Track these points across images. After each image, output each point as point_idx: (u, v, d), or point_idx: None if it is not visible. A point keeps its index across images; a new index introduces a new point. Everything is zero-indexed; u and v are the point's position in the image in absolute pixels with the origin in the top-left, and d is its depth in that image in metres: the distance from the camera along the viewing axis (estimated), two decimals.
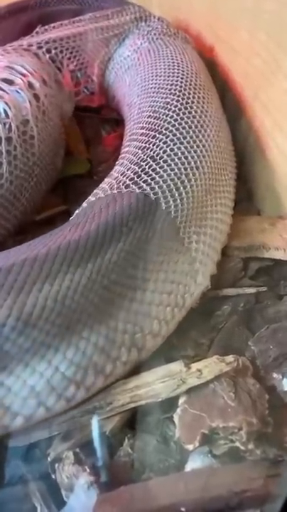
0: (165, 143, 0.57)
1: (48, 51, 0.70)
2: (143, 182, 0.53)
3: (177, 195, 0.53)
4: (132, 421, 0.47)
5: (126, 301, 0.48)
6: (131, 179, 0.53)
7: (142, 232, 0.50)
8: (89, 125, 0.76)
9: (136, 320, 0.49)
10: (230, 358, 0.49)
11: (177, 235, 0.53)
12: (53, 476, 0.45)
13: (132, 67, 0.77)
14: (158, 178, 0.53)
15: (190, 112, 0.61)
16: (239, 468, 0.42)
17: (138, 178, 0.53)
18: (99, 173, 0.69)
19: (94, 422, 0.45)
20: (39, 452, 0.46)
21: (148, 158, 0.55)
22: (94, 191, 0.54)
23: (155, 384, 0.47)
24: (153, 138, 0.58)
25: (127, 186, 0.52)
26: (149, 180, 0.53)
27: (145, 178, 0.53)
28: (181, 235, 0.53)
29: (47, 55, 0.69)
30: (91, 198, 0.54)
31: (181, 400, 0.47)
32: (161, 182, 0.53)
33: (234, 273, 0.58)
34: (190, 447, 0.44)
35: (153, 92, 0.67)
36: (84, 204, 0.53)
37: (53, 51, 0.70)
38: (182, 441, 0.45)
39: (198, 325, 0.54)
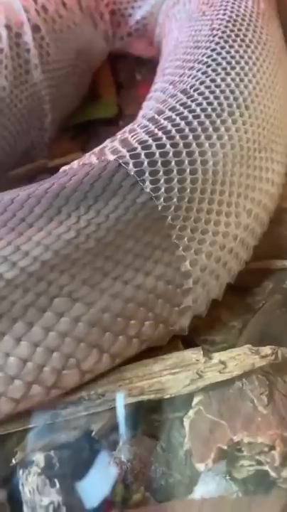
0: (204, 73, 0.45)
1: None
2: (167, 120, 0.42)
3: (215, 137, 0.42)
4: (129, 420, 0.37)
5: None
6: (154, 120, 0.42)
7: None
8: (123, 67, 0.66)
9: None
10: (266, 349, 0.37)
11: (213, 193, 0.42)
12: (19, 484, 0.35)
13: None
14: (186, 113, 0.42)
15: (242, 40, 0.50)
16: (270, 503, 0.31)
17: (159, 115, 0.43)
18: (127, 119, 0.59)
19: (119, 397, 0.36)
20: (6, 450, 0.36)
21: (179, 93, 0.44)
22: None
23: (163, 375, 0.36)
24: (189, 69, 0.47)
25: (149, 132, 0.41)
26: (175, 118, 0.42)
27: (172, 116, 0.42)
28: (219, 196, 0.42)
29: None
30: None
31: (196, 400, 0.35)
32: (191, 118, 0.42)
33: (284, 242, 0.47)
34: (201, 467, 0.33)
35: (197, 20, 0.56)
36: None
37: None
38: (192, 456, 0.34)
39: (230, 302, 0.43)
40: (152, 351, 0.39)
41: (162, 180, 0.39)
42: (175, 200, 0.39)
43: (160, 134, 0.41)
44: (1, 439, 0.36)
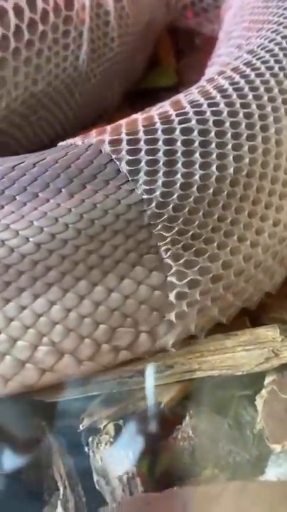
0: (274, 31, 0.41)
1: None
2: (226, 79, 0.38)
3: (280, 100, 0.37)
4: (197, 394, 0.36)
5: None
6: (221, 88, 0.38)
7: None
8: (183, 34, 0.64)
9: None
10: None
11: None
12: (86, 449, 0.34)
13: None
14: (249, 71, 0.38)
15: None
16: None
17: (219, 75, 0.39)
18: (188, 86, 0.58)
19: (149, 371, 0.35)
20: (70, 415, 0.35)
21: (244, 54, 0.41)
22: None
23: (236, 351, 0.35)
24: (257, 31, 0.43)
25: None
26: (235, 77, 0.38)
27: (233, 75, 0.38)
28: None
29: None
30: None
31: (269, 379, 0.34)
32: (253, 76, 0.38)
33: None
34: (277, 448, 0.32)
35: None
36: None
37: None
38: (266, 437, 0.33)
39: None
40: (218, 327, 0.38)
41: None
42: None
43: (214, 93, 0.38)
44: (63, 405, 0.36)
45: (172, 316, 0.35)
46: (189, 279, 0.35)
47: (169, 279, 0.34)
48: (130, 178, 0.34)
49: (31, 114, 0.47)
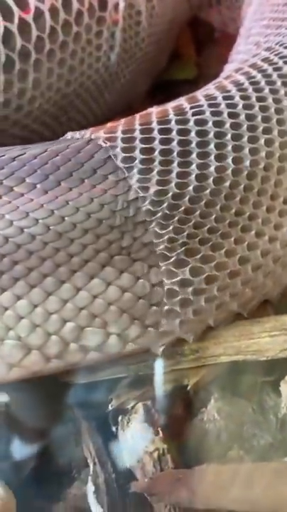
0: None
1: None
2: (243, 75, 0.38)
3: None
4: (221, 379, 0.37)
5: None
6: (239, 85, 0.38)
7: None
8: (202, 28, 0.64)
9: None
10: None
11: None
12: (114, 429, 0.34)
13: None
14: (266, 66, 0.38)
15: None
16: None
17: (237, 72, 0.39)
18: (209, 79, 0.59)
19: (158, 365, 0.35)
20: (98, 396, 0.36)
21: (262, 51, 0.41)
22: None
23: (261, 337, 0.36)
24: (277, 28, 0.44)
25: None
26: (252, 72, 0.38)
27: (250, 70, 0.38)
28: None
29: None
30: None
31: None
32: (271, 70, 0.38)
33: None
34: None
35: None
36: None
37: None
38: None
39: None
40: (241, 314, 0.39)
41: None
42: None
43: (230, 86, 0.38)
44: (90, 386, 0.37)
45: (189, 313, 0.35)
46: (206, 274, 0.35)
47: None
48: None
49: (62, 115, 0.48)
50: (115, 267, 0.34)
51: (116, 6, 0.46)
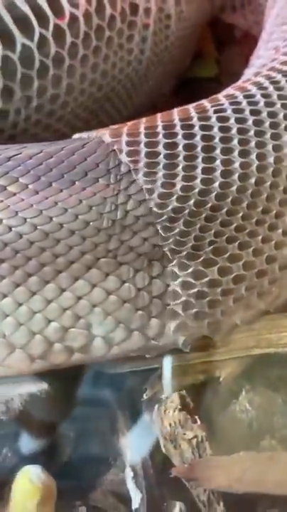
0: None
1: None
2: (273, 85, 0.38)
3: None
4: (252, 371, 0.38)
5: None
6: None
7: None
8: (222, 26, 0.65)
9: None
10: None
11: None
12: (148, 417, 0.35)
13: None
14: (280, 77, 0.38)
15: None
16: None
17: (255, 76, 0.40)
18: (230, 76, 0.60)
19: (167, 362, 0.36)
20: (132, 386, 0.37)
21: (281, 56, 0.41)
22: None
23: None
24: None
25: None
26: (276, 75, 0.38)
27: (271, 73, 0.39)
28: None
29: None
30: None
31: None
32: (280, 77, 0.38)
33: None
34: None
35: None
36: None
37: None
38: None
39: None
40: None
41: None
42: None
43: (250, 87, 0.38)
44: (123, 376, 0.38)
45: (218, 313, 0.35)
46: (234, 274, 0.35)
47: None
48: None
49: (92, 119, 0.48)
50: (101, 270, 0.34)
51: (146, 11, 0.47)
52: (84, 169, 0.34)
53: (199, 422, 0.33)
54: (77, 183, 0.34)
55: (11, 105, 0.44)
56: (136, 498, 0.32)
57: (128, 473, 0.32)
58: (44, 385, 0.33)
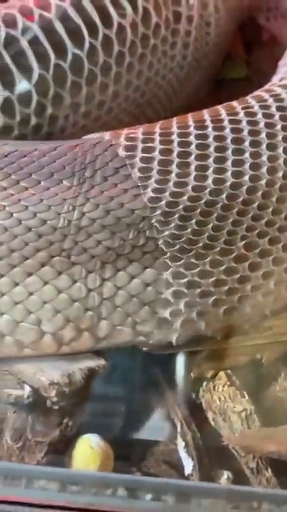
0: None
1: None
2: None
3: None
4: None
5: None
6: None
7: None
8: (250, 24, 0.67)
9: None
10: None
11: None
12: (193, 395, 0.38)
13: None
14: None
15: None
16: None
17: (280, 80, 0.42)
18: (260, 77, 0.61)
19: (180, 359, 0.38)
20: (180, 365, 0.39)
21: None
22: None
23: None
24: None
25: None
26: None
27: None
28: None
29: None
30: None
31: None
32: None
33: None
34: None
35: None
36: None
37: None
38: None
39: None
40: None
41: None
42: None
43: (266, 96, 0.39)
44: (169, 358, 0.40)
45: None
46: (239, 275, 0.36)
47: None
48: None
49: (134, 123, 0.49)
50: (53, 267, 0.35)
51: (189, 18, 0.49)
52: (51, 170, 0.36)
53: (247, 396, 0.36)
54: (42, 182, 0.36)
55: (61, 111, 0.46)
56: (189, 465, 0.34)
57: (180, 443, 0.35)
58: (102, 361, 0.36)
